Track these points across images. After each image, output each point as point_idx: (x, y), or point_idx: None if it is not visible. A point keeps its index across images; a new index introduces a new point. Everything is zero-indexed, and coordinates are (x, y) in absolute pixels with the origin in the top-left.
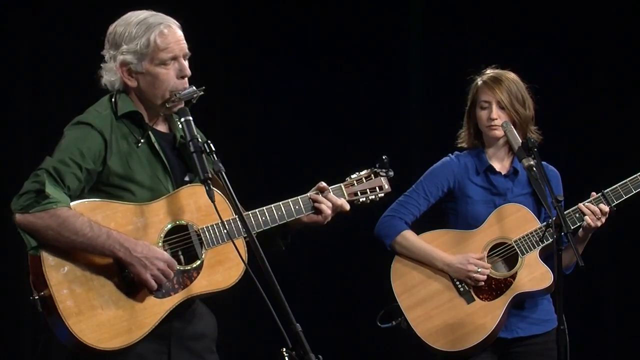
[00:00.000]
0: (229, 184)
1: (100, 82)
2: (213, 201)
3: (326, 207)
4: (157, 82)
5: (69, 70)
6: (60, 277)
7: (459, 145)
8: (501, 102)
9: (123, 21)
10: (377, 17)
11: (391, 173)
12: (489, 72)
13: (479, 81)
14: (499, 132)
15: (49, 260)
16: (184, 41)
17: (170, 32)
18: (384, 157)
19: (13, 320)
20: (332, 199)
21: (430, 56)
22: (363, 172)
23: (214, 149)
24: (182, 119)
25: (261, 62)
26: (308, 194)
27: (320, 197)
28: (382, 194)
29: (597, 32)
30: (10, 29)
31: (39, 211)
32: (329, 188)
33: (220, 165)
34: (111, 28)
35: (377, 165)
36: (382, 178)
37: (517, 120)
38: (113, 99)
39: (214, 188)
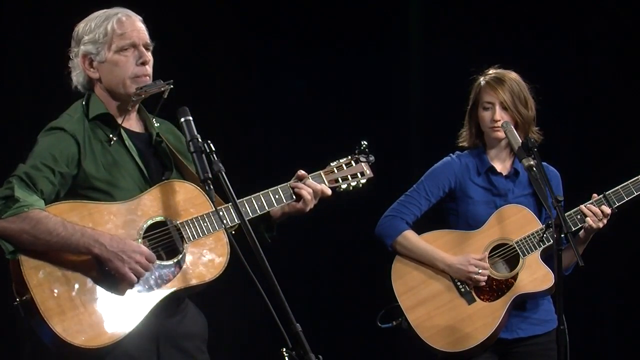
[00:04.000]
0: (229, 184)
1: (72, 86)
2: (213, 202)
3: (307, 194)
4: (116, 70)
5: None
6: (40, 278)
7: (460, 145)
8: (504, 103)
9: (86, 19)
10: (377, 12)
11: (372, 158)
12: (491, 72)
13: (482, 81)
14: (501, 134)
15: (27, 263)
16: (145, 32)
17: (129, 21)
18: (363, 143)
19: (11, 325)
20: (312, 184)
21: (431, 54)
22: (343, 159)
23: (213, 148)
24: (182, 119)
25: (256, 50)
26: (288, 183)
27: (299, 184)
28: (365, 180)
29: (600, 32)
30: (10, 29)
31: (11, 215)
32: (308, 176)
33: (220, 165)
34: (76, 26)
35: (356, 151)
36: (362, 164)
37: (520, 120)
38: (84, 102)
39: (192, 183)
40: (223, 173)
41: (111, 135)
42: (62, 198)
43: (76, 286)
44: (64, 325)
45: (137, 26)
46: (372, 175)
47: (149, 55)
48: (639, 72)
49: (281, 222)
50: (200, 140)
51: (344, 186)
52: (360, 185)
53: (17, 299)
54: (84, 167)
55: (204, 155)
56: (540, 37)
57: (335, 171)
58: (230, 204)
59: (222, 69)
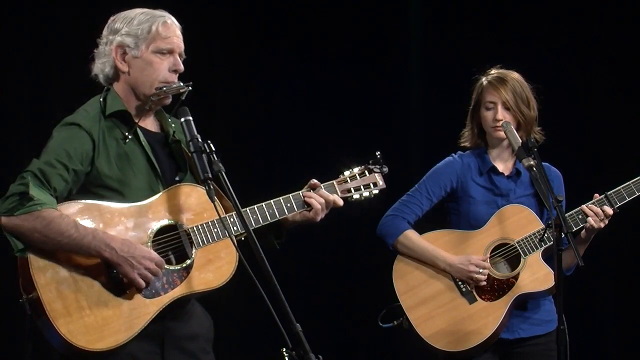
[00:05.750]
0: (229, 184)
1: (91, 73)
2: (213, 201)
3: (318, 204)
4: (148, 70)
5: (71, 69)
6: (47, 278)
7: (462, 145)
8: (506, 102)
9: (127, 12)
10: (377, 13)
11: (385, 169)
12: (494, 72)
13: (484, 81)
14: (503, 134)
15: (36, 262)
16: (182, 41)
17: (173, 27)
18: (377, 154)
19: (13, 323)
20: (324, 195)
21: (431, 54)
22: (356, 169)
23: (214, 148)
24: (182, 119)
25: (259, 58)
26: (300, 191)
27: (312, 194)
28: (377, 191)
29: (602, 33)
30: (11, 26)
31: (24, 213)
32: (321, 185)
33: (220, 165)
34: (113, 17)
35: (370, 162)
36: (376, 174)
37: (522, 120)
38: (102, 99)
39: (200, 186)
40: (223, 173)
41: (127, 134)
42: (74, 195)
43: (83, 288)
44: (69, 327)
45: (178, 34)
46: (384, 186)
47: (182, 65)
48: None
49: (290, 230)
50: (200, 140)
51: (356, 196)
52: (372, 195)
53: (24, 296)
54: (97, 165)
55: (204, 155)
56: (541, 37)
57: (349, 181)
58: (235, 212)
59: (224, 73)
